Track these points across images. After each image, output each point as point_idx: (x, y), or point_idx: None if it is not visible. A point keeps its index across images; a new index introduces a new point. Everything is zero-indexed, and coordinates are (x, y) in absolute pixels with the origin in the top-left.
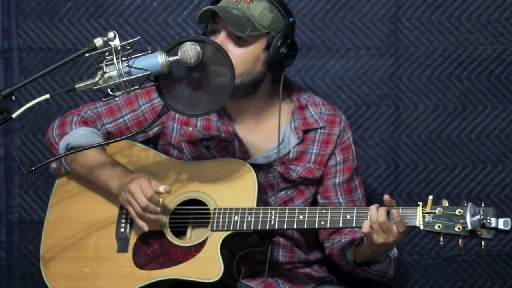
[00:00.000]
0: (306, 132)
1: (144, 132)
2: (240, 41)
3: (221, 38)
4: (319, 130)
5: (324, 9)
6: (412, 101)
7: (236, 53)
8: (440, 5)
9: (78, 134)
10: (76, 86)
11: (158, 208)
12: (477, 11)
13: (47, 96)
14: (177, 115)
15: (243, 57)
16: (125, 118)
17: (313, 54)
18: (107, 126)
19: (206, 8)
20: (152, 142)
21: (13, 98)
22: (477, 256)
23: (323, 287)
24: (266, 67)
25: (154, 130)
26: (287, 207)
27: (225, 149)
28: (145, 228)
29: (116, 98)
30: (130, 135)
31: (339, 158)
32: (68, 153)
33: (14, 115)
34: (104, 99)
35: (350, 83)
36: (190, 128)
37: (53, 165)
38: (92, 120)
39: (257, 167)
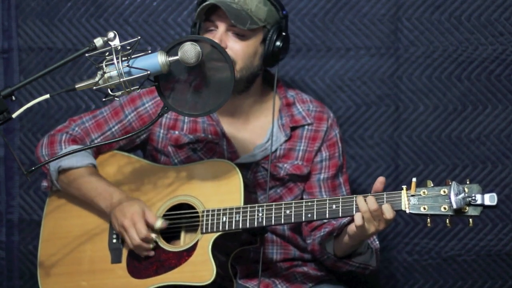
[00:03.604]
0: (293, 129)
1: (132, 139)
2: (239, 36)
3: (220, 34)
4: (306, 127)
5: (324, 9)
6: (412, 101)
7: (236, 47)
8: (440, 5)
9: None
10: (76, 86)
11: (151, 245)
12: (477, 11)
13: (47, 96)
14: (163, 120)
15: (243, 52)
16: (113, 130)
17: (313, 54)
18: (95, 141)
19: (208, 2)
20: (140, 149)
21: (13, 98)
22: (477, 256)
23: (321, 286)
24: (262, 61)
25: (141, 137)
26: (273, 203)
27: (212, 150)
28: (142, 255)
29: (116, 98)
30: (123, 138)
31: (325, 154)
32: (67, 153)
33: (14, 115)
34: (104, 99)
35: (350, 83)
36: (176, 132)
37: (44, 183)
38: (80, 138)
39: (245, 166)
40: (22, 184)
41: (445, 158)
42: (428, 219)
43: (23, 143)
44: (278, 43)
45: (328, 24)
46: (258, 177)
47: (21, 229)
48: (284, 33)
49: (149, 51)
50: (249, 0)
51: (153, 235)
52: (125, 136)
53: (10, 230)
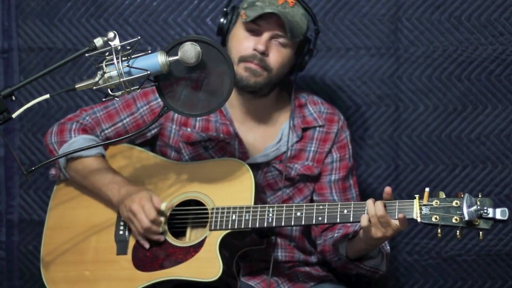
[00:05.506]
0: (304, 130)
1: (143, 134)
2: (282, 45)
3: (265, 40)
4: (317, 128)
5: (324, 9)
6: (412, 101)
7: (277, 57)
8: (440, 5)
9: (78, 144)
10: (76, 86)
11: (160, 228)
12: (477, 11)
13: (47, 96)
14: (175, 116)
15: (283, 61)
16: (124, 122)
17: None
18: (106, 131)
19: (270, 11)
20: (149, 144)
21: (13, 98)
22: (477, 256)
23: (322, 286)
24: (289, 69)
25: (153, 131)
26: (284, 204)
27: (223, 149)
28: (146, 246)
29: (116, 98)
30: (130, 135)
31: (335, 156)
32: (68, 152)
33: (14, 115)
34: (104, 99)
35: (350, 83)
36: (189, 129)
37: (52, 171)
38: (91, 127)
39: (256, 166)
40: (22, 184)
41: (445, 158)
42: (439, 230)
43: (23, 143)
44: (307, 57)
45: (328, 24)
46: (268, 177)
47: (21, 229)
48: (312, 47)
49: (149, 51)
50: (296, 12)
51: (162, 218)
52: (134, 132)
53: (10, 230)
